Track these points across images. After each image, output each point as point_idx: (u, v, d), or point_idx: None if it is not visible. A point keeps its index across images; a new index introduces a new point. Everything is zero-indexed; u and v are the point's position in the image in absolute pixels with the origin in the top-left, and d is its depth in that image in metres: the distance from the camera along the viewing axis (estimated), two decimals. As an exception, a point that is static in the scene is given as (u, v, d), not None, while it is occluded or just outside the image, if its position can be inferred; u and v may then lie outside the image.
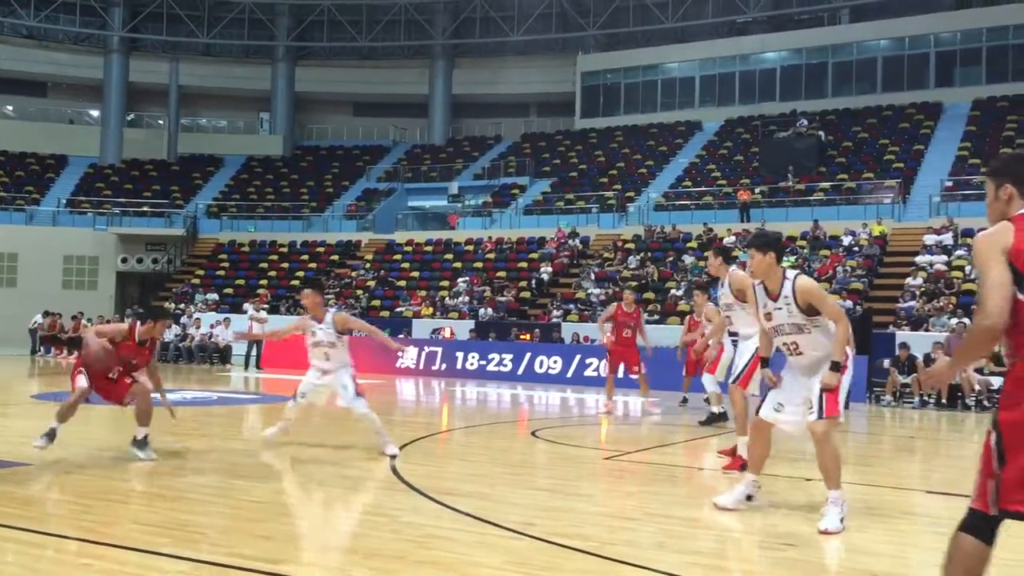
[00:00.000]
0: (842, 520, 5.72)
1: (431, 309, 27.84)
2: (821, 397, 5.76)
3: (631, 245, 29.36)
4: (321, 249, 34.92)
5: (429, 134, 45.03)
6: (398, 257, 33.07)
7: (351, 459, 8.53)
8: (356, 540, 5.24)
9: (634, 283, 26.87)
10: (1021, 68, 34.58)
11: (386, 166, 42.22)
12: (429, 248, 33.21)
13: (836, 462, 5.84)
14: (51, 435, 7.91)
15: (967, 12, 36.19)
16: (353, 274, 32.06)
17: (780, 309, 5.89)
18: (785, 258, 22.87)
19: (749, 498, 6.31)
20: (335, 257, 34.20)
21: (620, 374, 14.64)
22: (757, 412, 6.20)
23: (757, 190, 30.95)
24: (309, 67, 45.37)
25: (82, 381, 8.00)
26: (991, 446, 3.29)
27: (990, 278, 3.27)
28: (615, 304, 14.24)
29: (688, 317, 14.22)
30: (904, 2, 37.69)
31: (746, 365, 8.13)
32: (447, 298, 28.38)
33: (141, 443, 7.95)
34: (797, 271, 6.09)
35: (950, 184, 28.73)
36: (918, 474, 9.69)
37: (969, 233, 25.19)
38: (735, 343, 8.94)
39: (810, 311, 5.83)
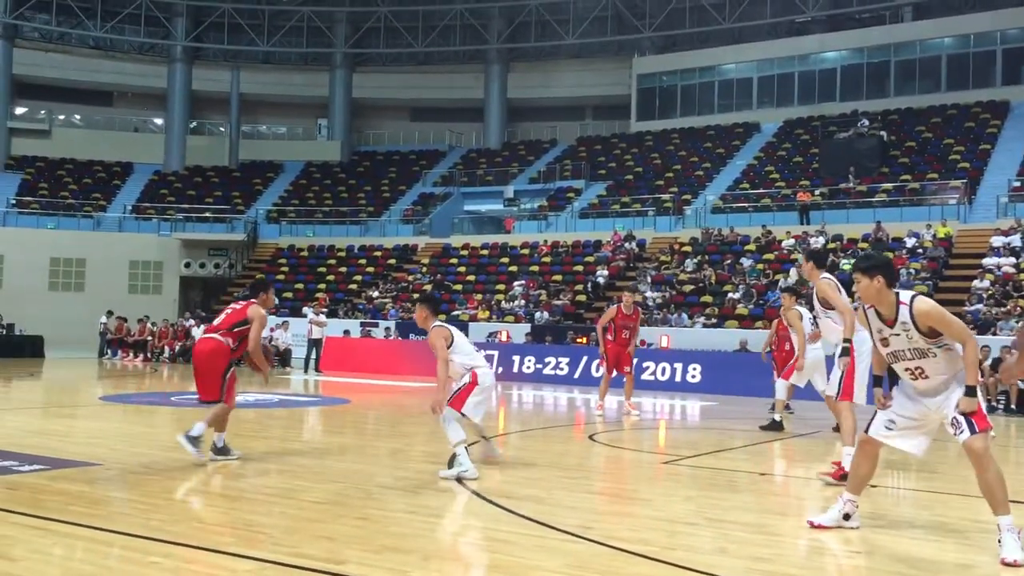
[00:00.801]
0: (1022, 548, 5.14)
1: (487, 312, 27.92)
2: (967, 416, 5.32)
3: (688, 248, 29.11)
4: (378, 253, 35.25)
5: (485, 138, 45.17)
6: (454, 261, 33.23)
7: (410, 461, 8.58)
8: (415, 542, 5.27)
9: (691, 286, 26.66)
10: (1092, 64, 33.59)
11: (442, 171, 42.46)
12: (485, 252, 33.30)
13: (1000, 482, 5.30)
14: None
15: (1035, 8, 35.21)
16: (410, 278, 32.29)
17: (898, 335, 5.49)
18: (845, 261, 22.29)
19: (847, 517, 5.93)
20: (392, 261, 34.49)
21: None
22: (866, 430, 5.80)
23: (817, 192, 30.48)
24: (366, 73, 45.86)
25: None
26: None
27: None
28: (615, 307, 14.15)
29: (776, 321, 14.01)
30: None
31: (842, 377, 8.01)
32: (503, 302, 28.43)
33: (198, 441, 7.93)
34: (914, 293, 5.61)
35: (1018, 184, 27.99)
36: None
37: (1038, 234, 24.50)
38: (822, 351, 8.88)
39: (932, 334, 5.42)
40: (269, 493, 6.79)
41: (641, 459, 9.99)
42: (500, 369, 23.10)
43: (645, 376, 20.94)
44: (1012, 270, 22.98)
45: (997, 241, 24.51)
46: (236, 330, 8.16)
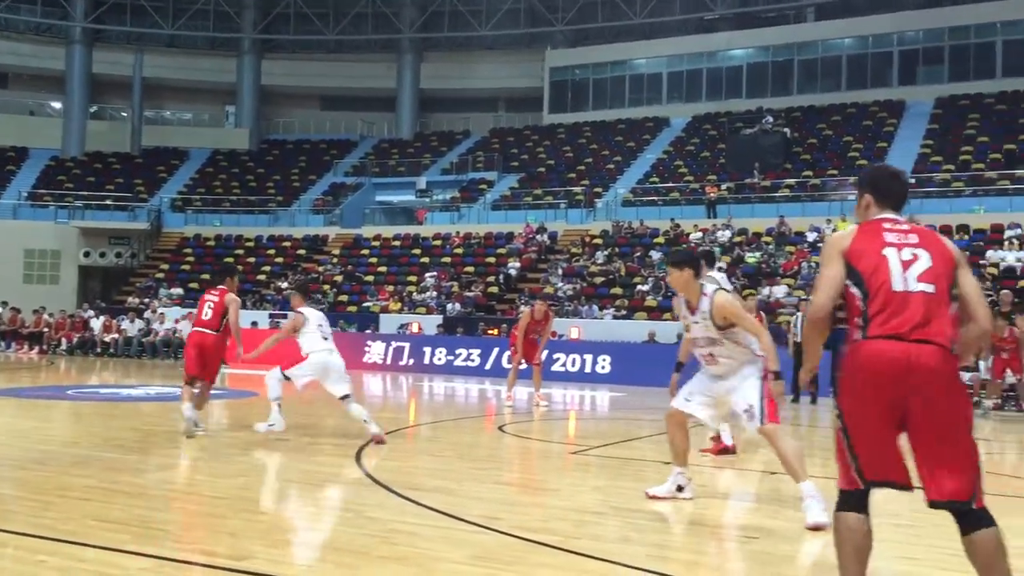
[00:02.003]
0: (825, 511, 5.61)
1: (398, 304, 27.75)
2: (761, 405, 6.01)
3: (599, 241, 29.44)
4: (288, 244, 34.67)
5: (397, 128, 44.83)
6: (365, 252, 32.92)
7: (317, 454, 8.48)
8: (321, 535, 5.21)
9: (601, 278, 26.98)
10: (982, 67, 35.12)
11: (353, 160, 41.98)
12: (397, 243, 33.09)
13: (797, 455, 5.94)
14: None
15: (930, 12, 36.63)
16: (320, 269, 31.88)
17: (698, 323, 6.16)
18: (750, 254, 22.89)
19: (680, 488, 6.45)
20: (302, 252, 33.97)
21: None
22: (672, 404, 6.47)
23: (724, 186, 31.15)
24: (276, 60, 44.99)
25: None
26: (839, 430, 3.65)
27: (823, 276, 3.74)
28: (527, 313, 14.51)
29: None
30: (868, 1, 38.12)
31: None
32: (415, 293, 28.29)
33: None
34: (717, 287, 6.30)
35: (912, 182, 29.07)
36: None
37: (931, 229, 25.53)
38: None
39: (725, 325, 6.07)
40: (170, 489, 6.62)
41: (550, 450, 10.07)
42: (411, 361, 23.03)
43: (556, 367, 21.13)
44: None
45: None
46: (224, 320, 9.68)
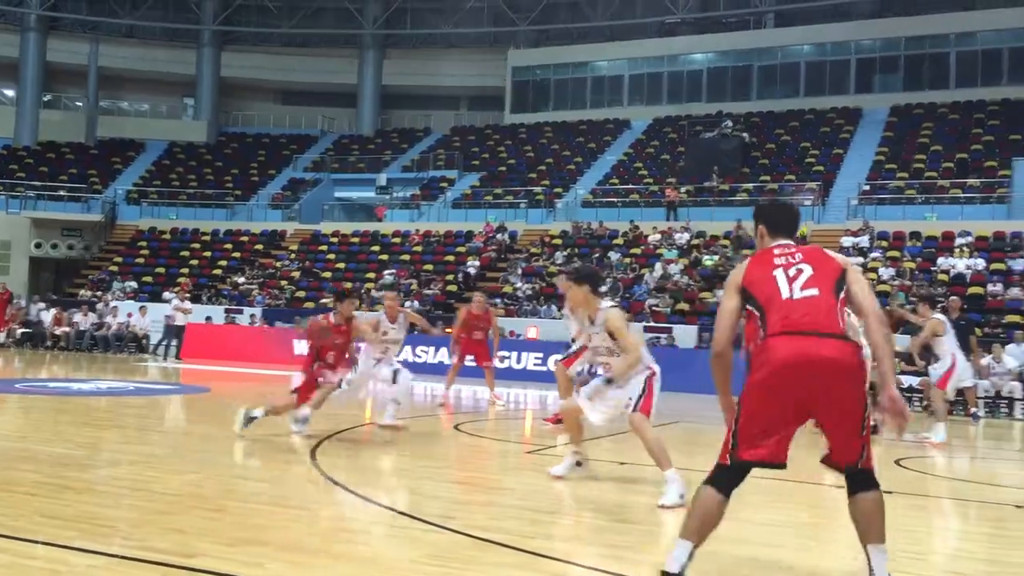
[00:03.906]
0: (681, 496, 6.20)
1: (358, 302, 27.57)
2: (640, 398, 6.77)
3: (558, 241, 29.53)
4: (245, 238, 34.32)
5: (358, 124, 44.58)
6: (324, 248, 32.70)
7: (271, 452, 8.41)
8: (272, 533, 5.16)
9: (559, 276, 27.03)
10: (936, 77, 35.79)
11: (313, 156, 41.68)
12: (356, 240, 32.91)
13: (659, 446, 6.69)
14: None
15: (887, 21, 37.23)
16: (278, 264, 31.61)
17: (597, 334, 6.93)
18: (708, 257, 23.17)
19: (579, 464, 7.29)
20: (259, 247, 33.65)
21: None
22: (575, 398, 7.24)
23: (683, 189, 31.40)
24: (235, 52, 44.49)
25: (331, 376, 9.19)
26: (734, 410, 4.11)
27: (722, 309, 4.29)
28: (465, 309, 14.31)
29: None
30: (827, 9, 38.65)
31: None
32: (373, 290, 28.16)
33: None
34: (612, 304, 7.06)
35: (867, 188, 29.56)
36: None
37: (884, 236, 25.99)
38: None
39: (615, 338, 6.83)
40: (119, 485, 6.53)
41: (506, 449, 10.08)
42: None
43: (514, 366, 21.22)
44: (860, 268, 24.25)
45: (847, 241, 25.82)
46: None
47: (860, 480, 4.05)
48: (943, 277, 23.26)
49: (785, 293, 4.11)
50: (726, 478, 4.08)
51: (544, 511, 6.22)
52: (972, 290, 22.62)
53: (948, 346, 12.01)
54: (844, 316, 4.09)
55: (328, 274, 30.39)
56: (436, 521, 5.56)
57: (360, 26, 44.12)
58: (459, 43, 44.15)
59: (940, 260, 24.12)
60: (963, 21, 35.58)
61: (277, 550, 4.79)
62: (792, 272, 4.17)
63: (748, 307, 4.20)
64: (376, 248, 31.86)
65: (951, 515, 7.36)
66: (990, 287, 22.66)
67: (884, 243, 25.66)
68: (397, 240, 32.01)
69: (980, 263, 23.63)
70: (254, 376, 19.22)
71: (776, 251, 4.30)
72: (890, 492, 7.65)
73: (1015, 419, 17.12)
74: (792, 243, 4.34)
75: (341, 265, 31.07)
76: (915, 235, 25.83)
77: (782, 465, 4.06)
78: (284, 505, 5.99)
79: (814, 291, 4.08)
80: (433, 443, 10.09)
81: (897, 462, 9.75)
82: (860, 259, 24.80)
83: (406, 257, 30.46)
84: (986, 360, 17.68)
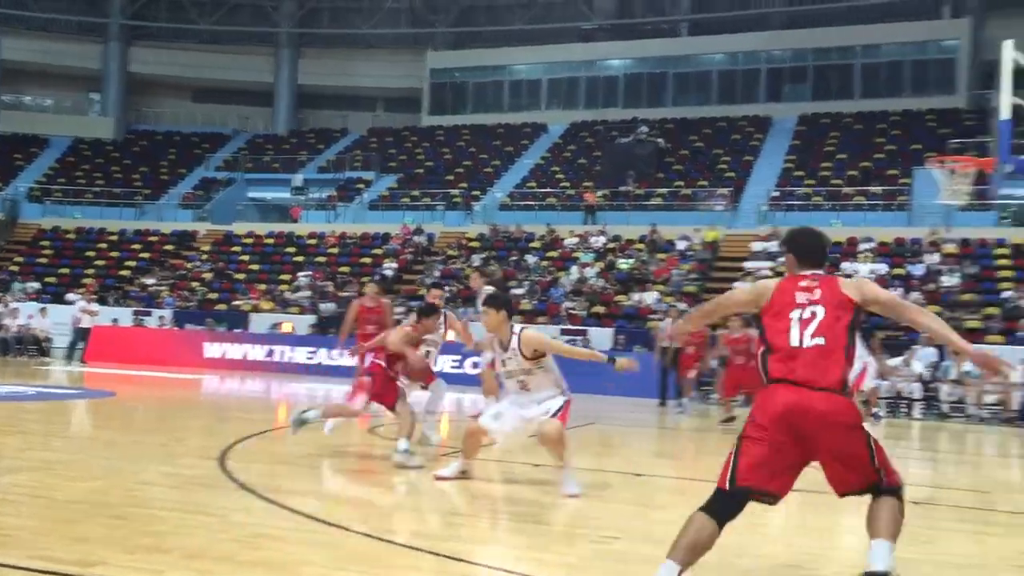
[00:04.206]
0: (578, 486, 6.83)
1: (271, 303, 27.17)
2: (558, 410, 6.96)
3: (476, 243, 29.56)
4: (154, 238, 33.44)
5: (273, 124, 43.89)
6: (237, 249, 32.09)
7: (177, 457, 8.22)
8: (178, 540, 5.05)
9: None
10: (842, 88, 37.00)
11: (226, 155, 40.88)
12: (270, 241, 32.40)
13: (568, 450, 7.05)
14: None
15: (796, 32, 38.31)
16: (188, 265, 30.89)
17: (511, 358, 7.08)
18: (623, 261, 23.43)
19: (464, 473, 7.33)
20: (169, 247, 32.83)
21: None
22: (478, 421, 7.29)
23: (599, 193, 31.76)
24: (146, 48, 43.36)
25: (360, 403, 8.44)
26: (739, 436, 4.25)
27: (730, 298, 4.92)
28: (356, 302, 13.26)
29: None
30: (739, 19, 39.58)
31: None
32: (287, 292, 27.76)
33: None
34: (523, 326, 7.29)
35: (776, 195, 30.36)
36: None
37: (792, 241, 26.68)
38: None
39: (534, 356, 7.00)
40: (19, 493, 6.30)
41: (423, 451, 10.03)
42: (283, 360, 22.61)
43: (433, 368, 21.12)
44: (769, 273, 24.88)
45: (757, 246, 26.48)
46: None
47: (882, 490, 4.24)
48: (848, 281, 24.02)
49: (795, 341, 4.28)
50: (722, 506, 4.17)
51: (459, 513, 6.22)
52: (875, 294, 23.45)
53: (859, 349, 12.36)
54: (848, 363, 4.27)
55: (242, 276, 29.84)
56: (348, 525, 5.51)
57: (276, 24, 43.46)
58: (377, 43, 43.84)
59: (844, 265, 24.90)
60: (868, 34, 36.84)
61: (181, 558, 4.69)
62: (807, 314, 4.32)
63: (758, 330, 4.46)
64: (291, 249, 31.41)
65: (856, 513, 7.60)
66: (891, 291, 23.49)
67: (792, 248, 26.35)
68: (313, 241, 31.62)
69: (882, 268, 24.47)
70: (162, 380, 18.74)
71: (801, 284, 4.43)
72: (799, 490, 7.88)
73: (914, 419, 17.79)
74: (820, 274, 4.48)
75: (255, 266, 30.53)
76: (822, 241, 26.61)
77: (778, 498, 4.22)
78: (190, 511, 5.86)
79: (821, 340, 4.25)
80: (347, 446, 9.99)
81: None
82: (769, 263, 25.45)
83: (322, 259, 30.11)
84: (896, 362, 18.34)
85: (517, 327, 7.20)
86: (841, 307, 4.33)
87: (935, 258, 24.20)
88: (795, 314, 4.33)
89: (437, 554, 4.95)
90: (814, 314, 4.31)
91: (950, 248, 24.64)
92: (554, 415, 6.96)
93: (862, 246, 25.56)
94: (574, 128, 38.62)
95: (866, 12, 37.50)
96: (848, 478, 4.24)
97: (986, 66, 29.80)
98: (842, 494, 4.32)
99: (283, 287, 28.21)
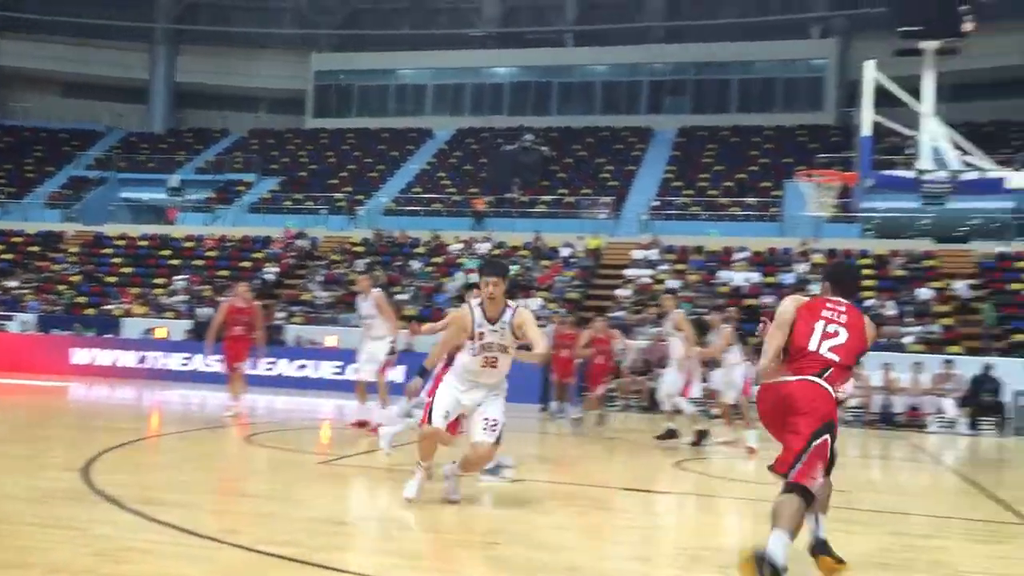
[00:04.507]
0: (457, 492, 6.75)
1: (144, 308, 26.23)
2: (502, 424, 6.62)
3: (360, 248, 29.25)
4: (18, 239, 31.80)
5: (148, 122, 42.44)
6: (108, 251, 30.84)
7: (41, 469, 7.84)
8: (40, 555, 4.81)
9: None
10: (720, 102, 38.24)
11: (97, 153, 39.26)
12: (144, 243, 31.27)
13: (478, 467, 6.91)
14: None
15: (677, 46, 39.39)
16: (55, 267, 29.51)
17: (495, 331, 6.65)
18: (512, 267, 23.43)
19: (429, 478, 6.90)
20: (34, 248, 31.28)
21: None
22: (429, 421, 6.70)
23: (485, 200, 31.89)
24: (13, 40, 41.33)
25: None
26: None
27: (771, 342, 5.11)
28: (226, 304, 12.94)
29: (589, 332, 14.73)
30: (623, 32, 40.44)
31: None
32: (162, 297, 26.85)
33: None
34: (519, 302, 7.02)
35: (656, 204, 31.13)
36: (616, 471, 10.36)
37: (672, 250, 27.41)
38: None
39: (518, 337, 6.66)
40: None
41: (299, 460, 9.86)
42: (157, 367, 21.85)
43: (310, 375, 20.86)
44: (649, 281, 25.48)
45: (637, 254, 27.07)
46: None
47: (787, 487, 4.81)
48: (723, 290, 24.80)
49: (813, 346, 4.97)
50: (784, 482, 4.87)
51: (335, 522, 6.14)
52: (748, 302, 24.23)
53: (739, 355, 12.69)
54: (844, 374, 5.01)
55: (113, 279, 28.70)
56: (220, 537, 5.36)
57: (153, 19, 42.05)
58: (260, 43, 42.93)
59: (721, 273, 25.70)
60: (744, 51, 38.19)
61: (43, 573, 4.48)
62: (831, 329, 5.02)
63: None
64: (167, 252, 30.39)
65: (725, 513, 7.85)
66: (764, 299, 24.35)
67: (671, 256, 27.06)
68: (190, 244, 30.68)
69: (756, 277, 25.37)
70: (26, 388, 17.84)
71: (829, 304, 5.12)
72: (668, 492, 8.09)
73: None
74: (843, 302, 5.14)
75: (128, 269, 29.39)
76: (699, 249, 27.40)
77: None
78: (52, 525, 5.60)
79: (836, 357, 4.95)
80: (223, 455, 9.73)
81: (677, 464, 10.30)
82: (650, 271, 26.05)
83: (200, 262, 29.24)
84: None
85: (512, 302, 6.86)
86: (859, 340, 5.10)
87: (805, 267, 25.24)
88: (819, 324, 5.09)
89: (314, 564, 4.87)
90: (837, 332, 5.10)
91: (818, 258, 25.73)
92: (496, 435, 6.61)
93: (737, 255, 26.42)
94: (460, 134, 38.69)
95: (743, 29, 38.89)
96: (783, 453, 4.90)
97: (851, 85, 31.25)
98: (769, 468, 5.01)
99: (157, 291, 27.28)
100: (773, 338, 5.10)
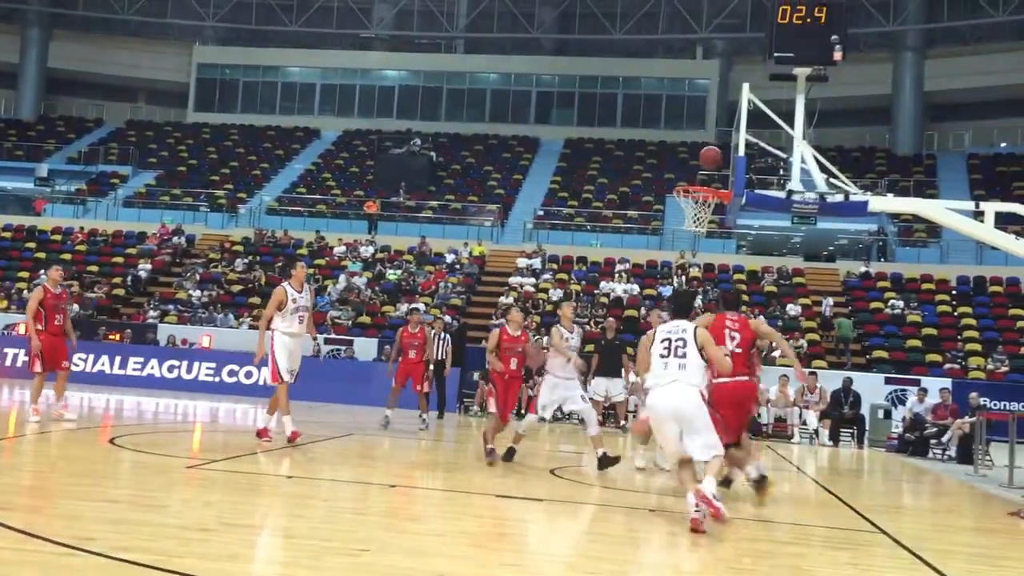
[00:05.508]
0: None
1: (6, 303, 24.95)
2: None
3: (240, 247, 28.58)
4: None
5: (17, 108, 40.47)
6: (-33, 242, 29.26)
7: None
8: None
9: (240, 286, 26.16)
10: (605, 115, 39.01)
11: (-41, 138, 37.22)
12: (7, 234, 29.81)
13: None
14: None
15: (565, 59, 40.02)
16: (-93, 257, 27.80)
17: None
18: (392, 271, 23.68)
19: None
20: None
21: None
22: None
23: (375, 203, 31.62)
24: None
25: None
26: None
27: (721, 355, 7.20)
28: (40, 288, 12.06)
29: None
30: (514, 41, 40.80)
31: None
32: (26, 291, 25.57)
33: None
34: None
35: (541, 213, 31.47)
36: (493, 478, 10.40)
37: (555, 259, 27.75)
38: None
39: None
40: None
41: (166, 464, 9.52)
42: (19, 365, 20.79)
43: (184, 376, 20.26)
44: (532, 289, 25.73)
45: (522, 262, 27.30)
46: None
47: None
48: (604, 299, 25.25)
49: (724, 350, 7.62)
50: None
51: (199, 528, 5.95)
52: (628, 312, 24.74)
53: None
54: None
55: (-29, 271, 27.22)
56: (73, 543, 5.13)
57: (25, 1, 40.11)
58: (140, 31, 41.51)
59: (603, 284, 26.17)
60: (630, 67, 39.05)
61: None
62: (729, 336, 8.19)
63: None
64: (32, 245, 29.04)
65: (595, 519, 7.97)
66: (643, 310, 24.91)
67: (555, 266, 27.40)
68: (58, 237, 29.39)
69: (635, 288, 25.93)
70: None
71: (728, 319, 8.32)
72: (540, 500, 8.16)
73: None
74: (736, 315, 8.39)
75: (-11, 262, 27.95)
76: (582, 260, 27.84)
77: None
78: None
79: (738, 350, 8.06)
80: (83, 458, 9.32)
81: (552, 471, 10.42)
82: (533, 279, 26.30)
83: (68, 256, 28.02)
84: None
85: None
86: (747, 335, 8.56)
87: (682, 280, 25.93)
88: (725, 334, 8.32)
89: (172, 571, 4.71)
90: (734, 336, 8.30)
91: (695, 272, 26.48)
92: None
93: (618, 267, 26.95)
94: (347, 136, 38.29)
95: (630, 46, 39.78)
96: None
97: (731, 105, 32.36)
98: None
99: (21, 285, 25.99)
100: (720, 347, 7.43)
